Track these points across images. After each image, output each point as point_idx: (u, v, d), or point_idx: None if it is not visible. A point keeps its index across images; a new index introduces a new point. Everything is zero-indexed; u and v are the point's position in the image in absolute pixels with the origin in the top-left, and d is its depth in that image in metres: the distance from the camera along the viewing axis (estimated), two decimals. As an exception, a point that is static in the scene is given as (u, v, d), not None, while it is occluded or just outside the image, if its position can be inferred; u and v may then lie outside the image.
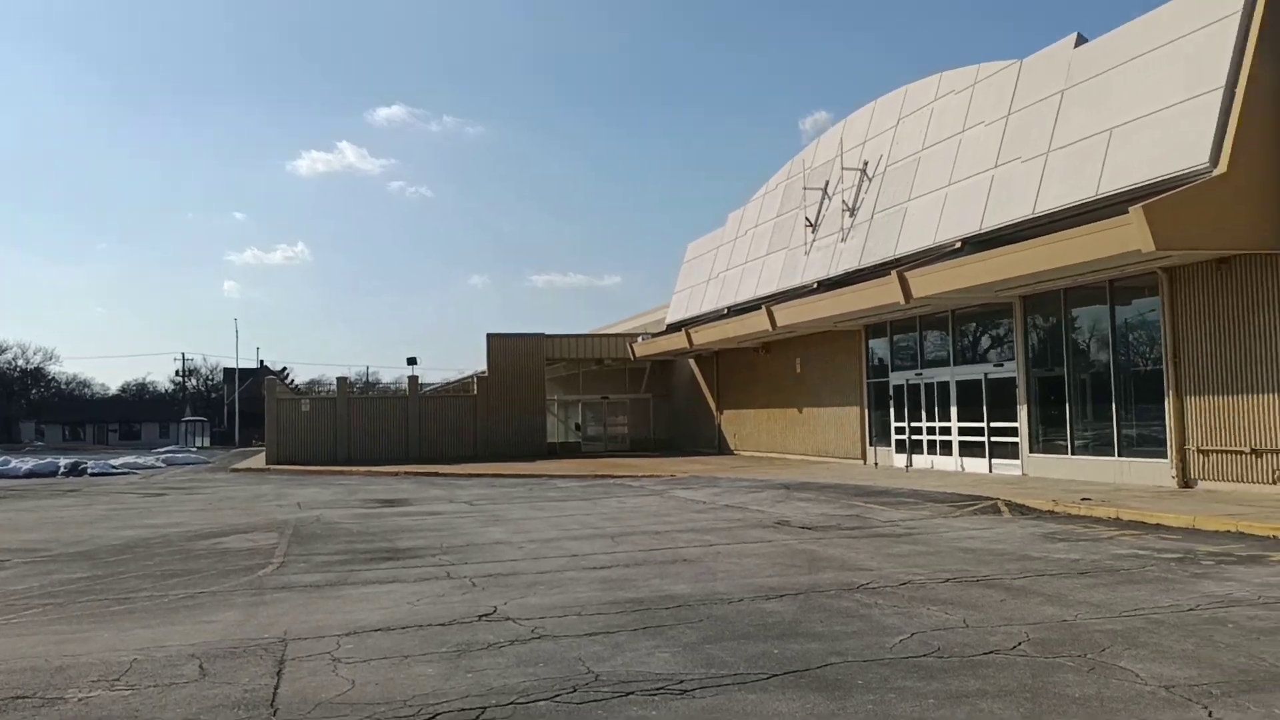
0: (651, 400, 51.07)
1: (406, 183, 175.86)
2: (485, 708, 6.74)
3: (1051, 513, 17.66)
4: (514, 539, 16.13)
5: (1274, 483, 18.19)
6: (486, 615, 9.87)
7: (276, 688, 7.35)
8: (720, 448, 43.90)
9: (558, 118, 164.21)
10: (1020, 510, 18.21)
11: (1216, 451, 19.36)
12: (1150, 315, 21.13)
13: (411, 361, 44.91)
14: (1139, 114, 19.30)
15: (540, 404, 46.36)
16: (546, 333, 46.82)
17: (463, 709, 6.73)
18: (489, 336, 45.55)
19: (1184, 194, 16.94)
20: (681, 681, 7.26)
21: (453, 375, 67.52)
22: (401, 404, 44.99)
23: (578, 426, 50.93)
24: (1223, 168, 17.07)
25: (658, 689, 7.08)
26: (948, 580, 11.16)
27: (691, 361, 46.96)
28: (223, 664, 8.11)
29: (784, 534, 15.81)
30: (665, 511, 19.96)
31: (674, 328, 43.20)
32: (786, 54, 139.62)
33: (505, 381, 45.33)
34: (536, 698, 6.94)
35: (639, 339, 46.16)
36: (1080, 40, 21.99)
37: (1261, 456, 18.46)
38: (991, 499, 19.71)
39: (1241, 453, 18.84)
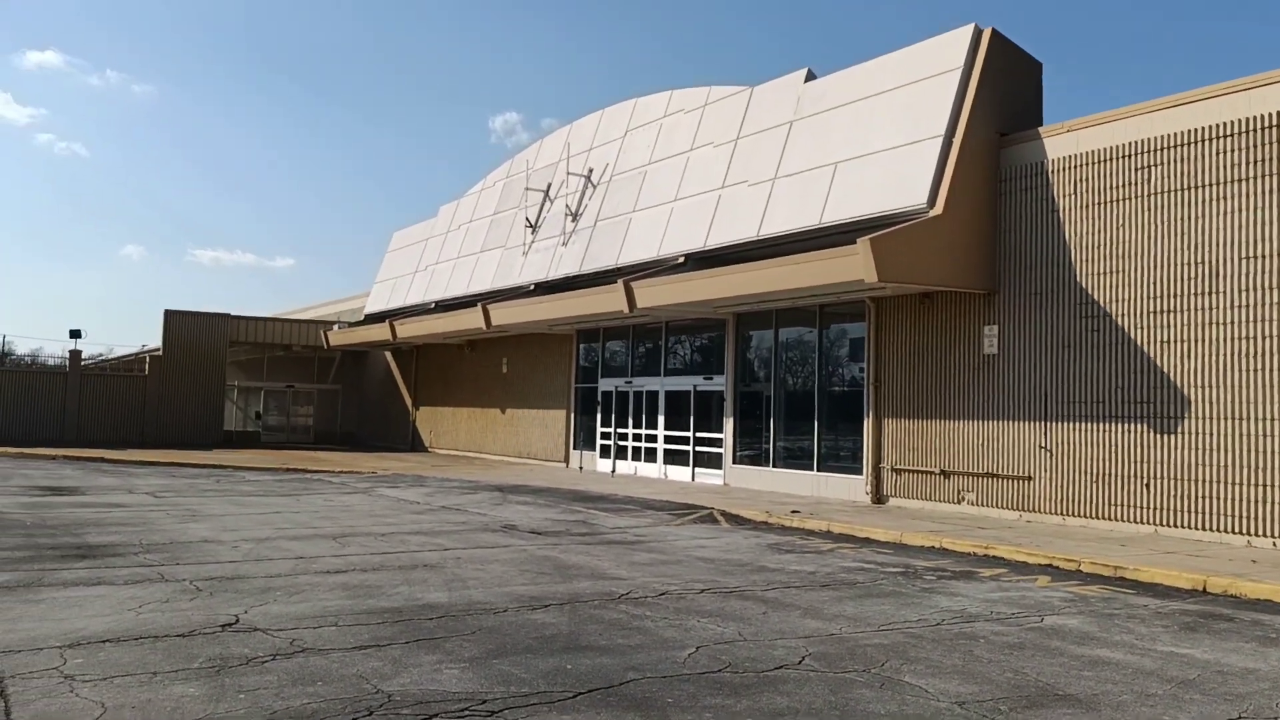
0: (341, 392, 49.02)
1: (57, 136, 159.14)
2: (276, 736, 5.97)
3: (766, 524, 18.35)
4: (223, 537, 14.79)
5: (958, 502, 19.87)
6: (230, 625, 8.88)
7: (8, 713, 6.18)
8: (414, 444, 42.77)
9: (231, 88, 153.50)
10: (736, 520, 18.82)
11: (909, 471, 20.91)
12: (855, 340, 22.54)
13: (75, 334, 40.62)
14: (863, 151, 20.53)
15: (220, 389, 43.26)
16: (231, 313, 43.87)
17: (248, 738, 5.93)
18: (167, 313, 41.99)
19: (905, 230, 18.17)
20: (485, 701, 6.78)
21: (104, 352, 61.40)
22: (60, 380, 40.53)
23: (258, 415, 48.05)
24: (938, 209, 18.47)
25: (463, 710, 6.57)
26: (703, 591, 11.23)
27: (388, 354, 45.49)
28: (-79, 686, 6.76)
29: (517, 539, 15.45)
30: (380, 512, 19.05)
31: (375, 318, 41.65)
32: (474, 50, 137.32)
33: (182, 362, 41.92)
34: (332, 723, 6.23)
35: (334, 327, 44.13)
36: (810, 76, 23.15)
37: (949, 477, 20.11)
38: (706, 508, 20.26)
39: (931, 473, 20.44)
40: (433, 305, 37.21)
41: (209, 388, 42.57)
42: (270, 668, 7.47)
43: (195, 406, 41.99)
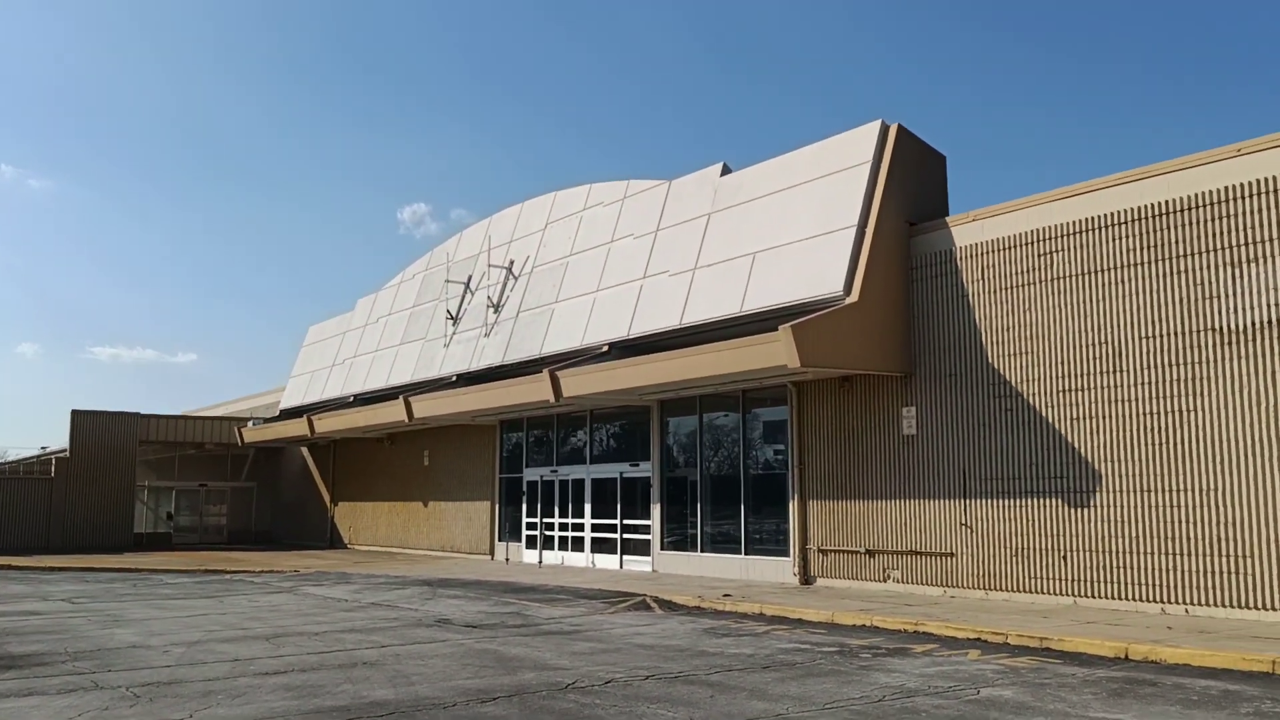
0: (255, 489, 48.03)
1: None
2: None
3: (700, 609, 18.50)
4: (151, 642, 14.46)
5: (884, 580, 20.28)
6: (176, 731, 8.76)
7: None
8: (333, 541, 42.00)
9: (130, 181, 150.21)
10: (670, 606, 18.93)
11: (835, 551, 21.31)
12: (778, 424, 23.04)
13: (-25, 437, 39.25)
14: (780, 242, 21.27)
15: (130, 490, 42.07)
16: (141, 412, 42.90)
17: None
18: (74, 413, 40.92)
19: (824, 317, 18.81)
20: (451, 795, 6.82)
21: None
22: (-42, 484, 39.07)
23: (170, 516, 46.74)
24: (854, 297, 19.19)
25: (430, 805, 6.60)
26: (648, 678, 11.35)
27: (304, 450, 44.82)
28: None
29: (453, 633, 15.37)
30: (309, 611, 18.75)
31: (291, 413, 41.11)
32: (378, 140, 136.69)
33: (90, 464, 40.75)
34: (301, 823, 6.22)
35: (249, 424, 43.40)
36: (726, 170, 23.99)
37: (874, 556, 20.55)
38: (639, 595, 20.34)
39: (857, 553, 20.86)
40: (351, 399, 36.93)
41: (118, 489, 41.40)
42: (227, 772, 7.41)
43: (104, 509, 40.78)
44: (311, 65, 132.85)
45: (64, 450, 41.65)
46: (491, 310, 30.43)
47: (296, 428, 38.25)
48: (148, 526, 45.84)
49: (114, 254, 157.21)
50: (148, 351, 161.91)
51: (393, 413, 31.28)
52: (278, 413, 43.26)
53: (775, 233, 21.52)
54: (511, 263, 30.59)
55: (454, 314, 32.28)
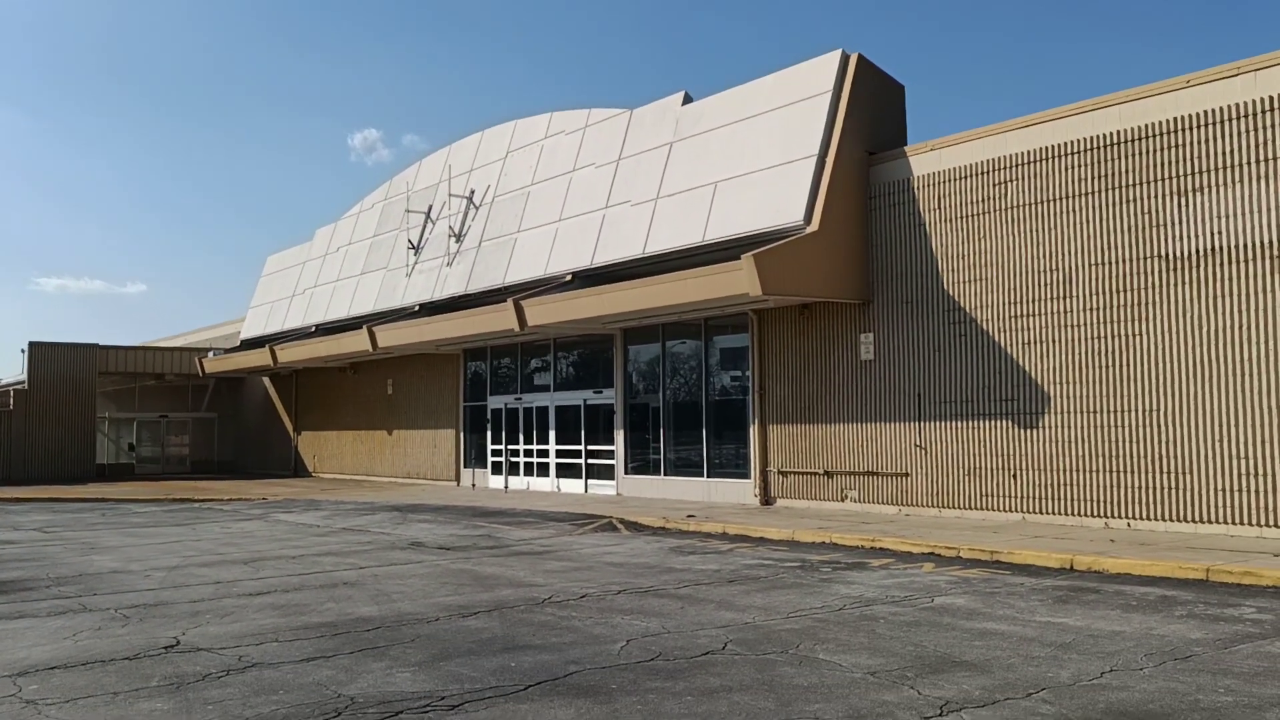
0: (217, 420, 48.10)
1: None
2: (258, 738, 6.39)
3: (665, 529, 19.13)
4: (132, 567, 14.80)
5: (842, 500, 21.01)
6: (172, 647, 9.15)
7: (-8, 737, 6.46)
8: (297, 470, 42.30)
9: (70, 106, 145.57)
10: (636, 527, 19.54)
11: (794, 473, 21.99)
12: (739, 351, 23.56)
13: (-67, 370, 38.90)
14: (741, 171, 21.57)
15: (91, 421, 42.05)
16: (101, 343, 42.68)
17: (231, 742, 6.34)
18: (32, 345, 40.68)
19: (785, 246, 19.23)
20: (444, 698, 7.30)
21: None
22: (-84, 418, 38.85)
23: (131, 447, 46.76)
24: (814, 226, 19.60)
25: (425, 706, 7.08)
26: (620, 592, 11.90)
27: (266, 380, 44.89)
28: (-107, 716, 6.94)
29: (428, 555, 15.85)
30: (283, 536, 19.14)
31: (252, 344, 41.11)
32: (324, 64, 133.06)
33: (50, 395, 40.67)
34: (307, 724, 6.68)
35: (210, 354, 43.34)
36: (688, 99, 24.14)
37: (833, 477, 21.26)
38: (605, 517, 20.93)
39: (815, 474, 21.56)
40: (313, 329, 37.00)
41: (79, 420, 41.38)
42: (228, 682, 7.84)
43: (65, 440, 40.80)
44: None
45: (21, 382, 41.45)
46: (453, 240, 30.53)
47: (259, 358, 38.31)
48: (110, 458, 45.87)
49: (57, 182, 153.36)
50: (96, 282, 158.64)
51: (357, 342, 31.45)
52: (238, 343, 43.22)
53: (736, 162, 21.81)
54: (472, 192, 30.65)
55: (415, 244, 32.35)
